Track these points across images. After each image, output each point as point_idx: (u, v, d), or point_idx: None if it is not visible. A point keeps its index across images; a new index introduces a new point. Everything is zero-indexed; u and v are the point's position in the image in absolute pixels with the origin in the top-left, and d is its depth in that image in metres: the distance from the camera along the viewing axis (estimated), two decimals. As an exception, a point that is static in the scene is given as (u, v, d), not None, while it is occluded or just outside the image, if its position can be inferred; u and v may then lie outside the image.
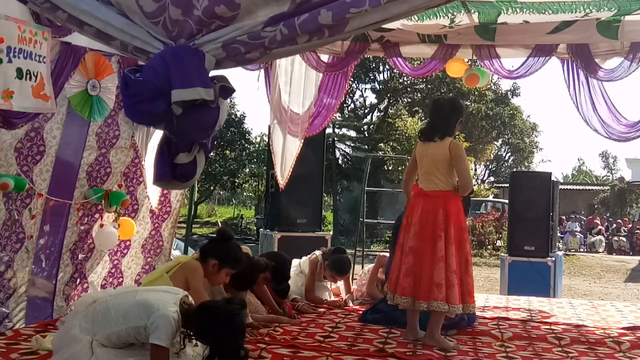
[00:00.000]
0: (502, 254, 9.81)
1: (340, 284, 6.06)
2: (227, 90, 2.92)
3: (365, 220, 10.63)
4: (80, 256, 5.13)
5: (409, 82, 23.51)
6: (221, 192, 34.08)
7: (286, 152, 7.03)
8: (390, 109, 23.88)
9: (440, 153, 4.36)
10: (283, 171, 7.07)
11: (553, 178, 8.94)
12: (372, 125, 24.47)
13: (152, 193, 5.72)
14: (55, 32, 4.10)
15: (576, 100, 6.13)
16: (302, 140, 7.02)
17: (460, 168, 4.37)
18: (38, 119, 4.43)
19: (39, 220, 4.69)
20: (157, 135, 5.13)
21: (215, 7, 2.72)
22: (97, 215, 5.22)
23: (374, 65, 23.22)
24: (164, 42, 2.83)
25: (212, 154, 3.26)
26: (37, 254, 4.72)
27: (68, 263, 5.05)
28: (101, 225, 5.22)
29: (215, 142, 3.34)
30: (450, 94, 23.02)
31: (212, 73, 2.85)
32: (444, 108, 4.53)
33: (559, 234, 18.66)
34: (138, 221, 5.61)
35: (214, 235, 4.31)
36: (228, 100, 3.00)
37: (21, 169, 4.44)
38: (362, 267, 7.62)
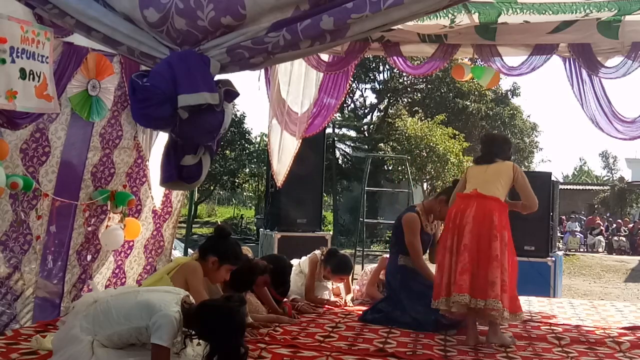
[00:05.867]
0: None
1: (341, 284, 6.07)
2: (231, 94, 2.96)
3: (365, 220, 10.65)
4: (88, 257, 5.13)
5: (409, 82, 23.53)
6: (221, 192, 34.08)
7: (283, 150, 7.02)
8: (390, 109, 23.90)
9: (504, 170, 4.58)
10: (280, 169, 7.08)
11: (553, 178, 8.94)
12: (372, 125, 24.50)
13: (156, 193, 5.73)
14: (58, 32, 4.11)
15: (580, 99, 6.12)
16: (300, 140, 7.02)
17: (527, 189, 4.61)
18: (42, 119, 4.44)
19: (46, 221, 4.69)
20: (161, 136, 5.15)
21: (221, 17, 2.77)
22: (103, 216, 5.22)
23: (374, 65, 23.23)
24: (170, 48, 2.87)
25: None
26: (43, 255, 4.72)
27: (75, 264, 5.06)
28: (107, 226, 5.22)
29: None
30: (451, 94, 23.05)
31: (217, 77, 2.89)
32: (498, 139, 5.00)
33: (559, 234, 18.67)
34: (141, 221, 5.61)
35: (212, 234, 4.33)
36: (232, 104, 3.04)
37: (27, 170, 4.44)
38: (362, 268, 7.62)
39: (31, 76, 3.83)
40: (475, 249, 4.35)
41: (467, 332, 4.49)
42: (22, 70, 3.77)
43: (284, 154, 7.03)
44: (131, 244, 5.60)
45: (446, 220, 4.64)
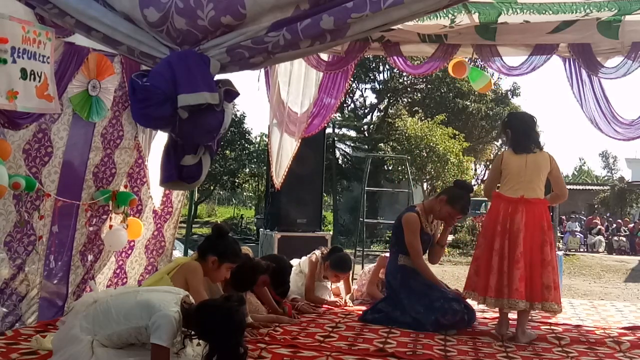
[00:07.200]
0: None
1: (340, 284, 6.07)
2: (231, 93, 2.96)
3: (365, 220, 10.64)
4: (90, 258, 5.14)
5: (409, 82, 23.53)
6: (221, 192, 34.11)
7: (282, 152, 7.03)
8: (390, 109, 23.90)
9: (542, 162, 4.64)
10: (278, 171, 7.08)
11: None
12: (372, 125, 24.51)
13: (155, 193, 5.73)
14: (59, 32, 4.11)
15: (580, 99, 6.13)
16: (299, 140, 7.03)
17: (561, 180, 4.80)
18: (45, 119, 4.44)
19: (49, 222, 4.69)
20: (161, 135, 5.15)
21: (221, 17, 2.77)
22: (104, 217, 5.22)
23: (374, 65, 23.24)
24: (170, 47, 2.87)
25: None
26: (46, 256, 4.72)
27: (79, 265, 5.06)
28: (110, 227, 5.23)
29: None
30: (451, 94, 23.06)
31: (217, 77, 2.89)
32: (533, 121, 4.86)
33: (559, 234, 18.68)
34: (142, 221, 5.62)
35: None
36: (232, 103, 3.05)
37: (30, 171, 4.44)
38: (362, 267, 7.62)
39: (32, 76, 3.83)
40: (529, 255, 4.53)
41: (499, 322, 4.70)
42: (23, 71, 3.76)
43: (282, 156, 7.04)
44: (132, 244, 5.61)
45: (491, 222, 4.70)
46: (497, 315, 5.42)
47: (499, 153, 5.12)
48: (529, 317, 5.42)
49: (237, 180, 25.86)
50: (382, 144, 20.93)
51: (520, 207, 4.57)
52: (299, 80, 6.87)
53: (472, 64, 6.61)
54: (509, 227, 4.56)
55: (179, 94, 2.78)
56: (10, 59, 3.66)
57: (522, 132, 4.77)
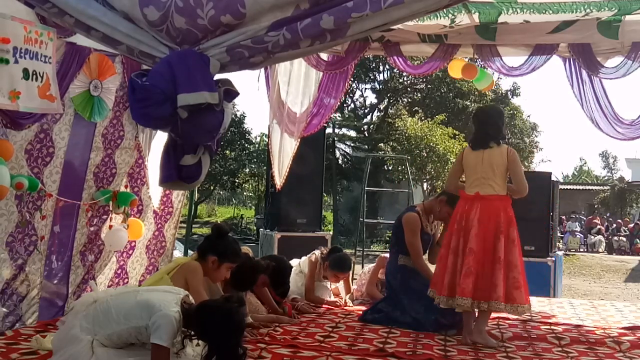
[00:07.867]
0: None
1: (340, 284, 6.07)
2: (231, 93, 2.96)
3: (365, 220, 10.65)
4: (90, 258, 5.14)
5: (409, 82, 23.51)
6: (221, 192, 34.09)
7: (283, 152, 7.04)
8: (390, 109, 23.89)
9: (498, 158, 4.52)
10: (280, 171, 7.09)
11: (553, 178, 8.94)
12: (372, 125, 24.50)
13: (154, 193, 5.73)
14: (61, 32, 4.12)
15: (580, 99, 6.13)
16: (299, 140, 7.03)
17: (518, 174, 4.59)
18: (46, 120, 4.45)
19: (50, 222, 4.69)
20: (160, 135, 5.16)
21: (221, 16, 2.78)
22: (105, 217, 5.22)
23: (374, 65, 23.23)
24: (170, 47, 2.87)
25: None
26: (47, 256, 4.73)
27: (79, 265, 5.06)
28: (110, 227, 5.23)
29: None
30: (451, 94, 23.05)
31: (216, 76, 2.89)
32: (494, 116, 4.74)
33: (559, 234, 18.67)
34: (143, 222, 5.61)
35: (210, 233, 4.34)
36: (232, 103, 3.05)
37: (31, 171, 4.44)
38: (362, 267, 7.63)
39: (34, 76, 3.84)
40: (481, 251, 4.40)
41: (463, 330, 4.54)
42: (25, 71, 3.77)
43: (283, 157, 7.05)
44: (133, 244, 5.61)
45: (451, 221, 4.67)
46: (497, 315, 5.43)
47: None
48: (529, 317, 5.45)
49: (237, 180, 25.84)
50: (382, 144, 20.92)
51: (476, 203, 4.50)
52: (299, 80, 6.87)
53: (477, 65, 6.63)
54: (465, 224, 4.49)
55: (179, 93, 2.79)
56: (12, 59, 3.67)
57: (480, 128, 4.72)
